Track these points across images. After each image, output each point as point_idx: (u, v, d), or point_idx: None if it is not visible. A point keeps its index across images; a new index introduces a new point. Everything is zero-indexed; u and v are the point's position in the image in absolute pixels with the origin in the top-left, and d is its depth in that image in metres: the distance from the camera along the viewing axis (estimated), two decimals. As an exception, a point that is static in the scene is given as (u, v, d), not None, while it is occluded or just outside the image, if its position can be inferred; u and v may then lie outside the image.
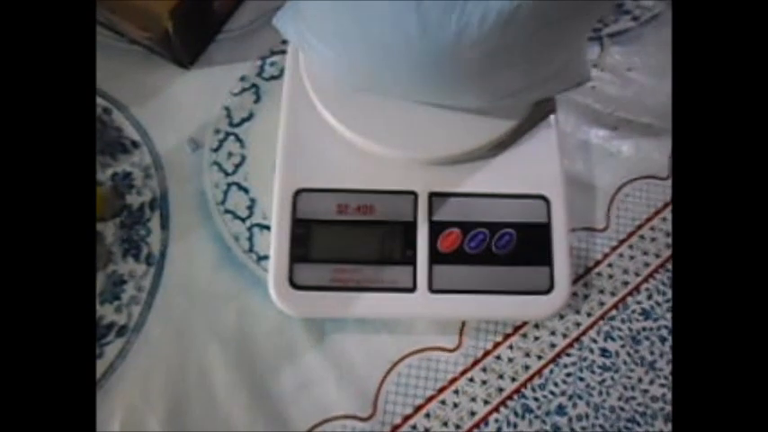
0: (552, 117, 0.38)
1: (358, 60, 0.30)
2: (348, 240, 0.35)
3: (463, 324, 0.38)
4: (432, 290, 0.35)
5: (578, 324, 0.38)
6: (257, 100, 0.42)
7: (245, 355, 0.36)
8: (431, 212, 0.36)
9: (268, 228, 0.38)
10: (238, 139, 0.41)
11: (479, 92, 0.32)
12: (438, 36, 0.25)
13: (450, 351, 0.37)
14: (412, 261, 0.35)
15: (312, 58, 0.34)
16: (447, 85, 0.31)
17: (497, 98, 0.32)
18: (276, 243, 0.35)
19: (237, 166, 0.40)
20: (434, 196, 0.36)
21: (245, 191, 0.40)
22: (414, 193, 0.36)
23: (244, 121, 0.41)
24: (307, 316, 0.36)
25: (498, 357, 0.37)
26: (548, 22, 0.25)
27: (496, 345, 0.37)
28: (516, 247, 0.36)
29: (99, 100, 0.41)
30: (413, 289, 0.35)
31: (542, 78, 0.32)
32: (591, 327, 0.38)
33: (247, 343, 0.36)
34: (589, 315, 0.38)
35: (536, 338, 0.38)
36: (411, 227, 0.36)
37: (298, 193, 0.36)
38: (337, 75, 0.34)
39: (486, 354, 0.37)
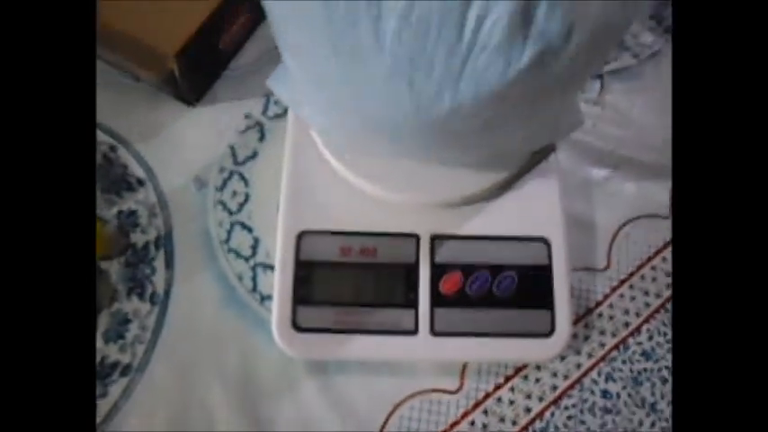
0: (553, 157, 0.38)
1: (352, 129, 0.31)
2: (351, 283, 0.36)
3: (464, 366, 0.38)
4: (433, 332, 0.35)
5: (579, 365, 0.38)
6: (261, 138, 0.42)
7: (248, 395, 0.36)
8: (433, 255, 0.36)
9: (272, 268, 0.38)
10: (243, 178, 0.41)
11: (475, 151, 0.32)
12: (432, 112, 0.25)
13: (452, 393, 0.37)
14: (414, 304, 0.36)
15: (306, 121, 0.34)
16: (443, 148, 0.31)
17: (493, 154, 0.33)
18: (279, 285, 0.35)
19: (242, 204, 0.41)
20: (436, 239, 0.37)
21: (249, 230, 0.40)
22: (416, 236, 0.37)
23: (248, 159, 0.42)
24: (309, 358, 0.36)
25: (499, 400, 0.37)
26: (543, 90, 0.26)
27: (498, 387, 0.38)
28: (517, 289, 0.36)
29: (104, 137, 0.42)
30: (415, 332, 0.35)
31: (538, 131, 0.32)
32: (592, 368, 0.38)
33: (250, 383, 0.36)
34: (590, 356, 0.38)
35: (537, 380, 0.38)
36: (413, 269, 0.36)
37: (301, 235, 0.36)
38: (332, 138, 0.35)
39: (488, 396, 0.37)
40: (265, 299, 0.38)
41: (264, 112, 0.43)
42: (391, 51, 0.23)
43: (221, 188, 0.41)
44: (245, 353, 0.37)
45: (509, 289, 0.36)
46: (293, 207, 0.37)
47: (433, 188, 0.36)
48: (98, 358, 0.37)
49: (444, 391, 0.37)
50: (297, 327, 0.35)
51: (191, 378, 0.36)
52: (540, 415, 0.37)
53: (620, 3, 0.23)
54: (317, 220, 0.37)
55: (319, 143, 0.37)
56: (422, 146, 0.31)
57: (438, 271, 0.36)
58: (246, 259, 0.39)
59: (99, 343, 0.37)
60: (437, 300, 0.36)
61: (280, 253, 0.36)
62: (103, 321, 0.38)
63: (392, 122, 0.27)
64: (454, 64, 0.23)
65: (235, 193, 0.41)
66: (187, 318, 0.38)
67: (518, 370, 0.38)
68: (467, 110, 0.25)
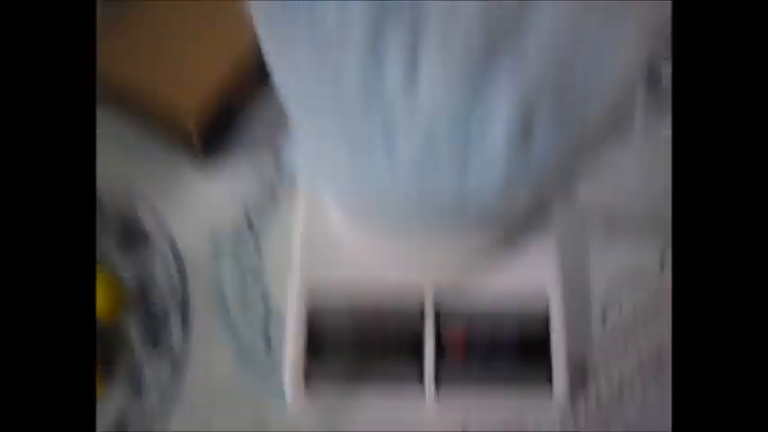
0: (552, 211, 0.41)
1: (373, 217, 0.34)
2: (361, 338, 0.38)
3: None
4: (438, 385, 0.37)
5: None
6: (275, 203, 0.44)
7: None
8: (438, 307, 0.38)
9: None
10: (257, 241, 0.43)
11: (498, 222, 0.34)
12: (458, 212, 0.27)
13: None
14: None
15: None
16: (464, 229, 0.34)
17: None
18: (292, 342, 0.37)
19: (257, 269, 0.43)
20: (440, 293, 0.38)
21: (264, 293, 0.42)
22: (421, 291, 0.38)
23: (262, 221, 0.44)
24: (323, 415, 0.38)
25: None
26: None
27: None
28: (518, 341, 0.38)
29: (122, 193, 0.43)
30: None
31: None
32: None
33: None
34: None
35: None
36: (419, 324, 0.38)
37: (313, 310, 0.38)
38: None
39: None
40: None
41: (278, 169, 0.45)
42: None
43: (235, 251, 0.43)
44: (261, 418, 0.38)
45: (510, 341, 0.38)
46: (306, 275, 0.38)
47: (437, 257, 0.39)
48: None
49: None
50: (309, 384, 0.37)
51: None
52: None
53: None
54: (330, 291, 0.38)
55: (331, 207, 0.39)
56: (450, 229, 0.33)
57: (442, 323, 0.38)
58: (256, 327, 0.41)
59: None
60: (441, 351, 0.37)
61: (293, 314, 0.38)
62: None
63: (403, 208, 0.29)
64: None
65: (249, 256, 0.43)
66: (204, 381, 0.39)
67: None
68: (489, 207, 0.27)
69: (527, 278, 0.39)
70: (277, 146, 0.45)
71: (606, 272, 0.44)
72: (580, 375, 0.41)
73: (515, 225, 0.39)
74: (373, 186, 0.29)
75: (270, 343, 0.41)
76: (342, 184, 0.32)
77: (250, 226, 0.44)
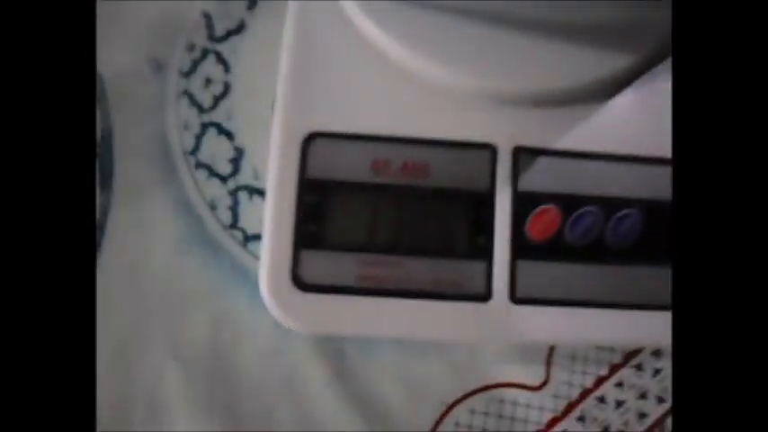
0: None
1: None
2: (387, 217, 0.23)
3: (552, 350, 0.26)
4: (515, 298, 0.23)
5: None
6: (252, 5, 0.29)
7: (221, 388, 0.24)
8: (516, 178, 0.23)
9: (261, 193, 0.26)
10: (221, 60, 0.28)
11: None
12: None
13: (534, 389, 0.25)
14: (486, 253, 0.23)
15: None
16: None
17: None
18: (273, 218, 0.23)
19: (219, 99, 0.27)
20: (522, 153, 0.24)
21: (229, 136, 0.27)
22: (491, 148, 0.24)
23: (231, 33, 0.28)
24: (320, 332, 0.24)
25: (602, 400, 0.25)
26: None
27: (600, 381, 0.25)
28: (640, 236, 0.24)
29: None
30: (486, 296, 0.23)
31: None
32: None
33: (226, 370, 0.24)
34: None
35: (656, 372, 0.26)
36: (485, 200, 0.23)
37: (310, 138, 0.23)
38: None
39: (586, 394, 0.25)
40: (251, 239, 0.26)
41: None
42: None
43: (189, 74, 0.28)
44: (218, 323, 0.25)
45: (629, 235, 0.24)
46: (299, 98, 0.24)
47: (520, 73, 0.24)
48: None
49: (522, 387, 0.25)
50: (300, 283, 0.23)
51: (135, 359, 0.24)
52: (658, 424, 0.25)
53: None
54: (335, 117, 0.24)
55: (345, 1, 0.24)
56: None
57: (524, 203, 0.23)
58: (224, 179, 0.26)
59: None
60: (522, 249, 0.23)
61: (275, 167, 0.23)
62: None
63: None
64: None
65: (209, 82, 0.28)
66: (130, 264, 0.25)
67: (628, 357, 0.26)
68: None
69: (656, 138, 0.24)
70: None
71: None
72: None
73: (650, 36, 0.24)
74: None
75: (237, 214, 0.26)
76: None
77: (212, 39, 0.28)
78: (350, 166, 0.23)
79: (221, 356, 0.24)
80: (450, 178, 0.23)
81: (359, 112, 0.24)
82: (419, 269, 0.23)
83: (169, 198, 0.26)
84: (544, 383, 0.25)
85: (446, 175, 0.23)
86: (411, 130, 0.24)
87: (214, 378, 0.24)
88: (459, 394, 0.24)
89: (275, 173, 0.23)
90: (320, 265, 0.23)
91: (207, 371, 0.24)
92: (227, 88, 0.28)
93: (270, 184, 0.23)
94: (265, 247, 0.23)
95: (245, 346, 0.24)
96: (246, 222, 0.26)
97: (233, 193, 0.26)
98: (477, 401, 0.25)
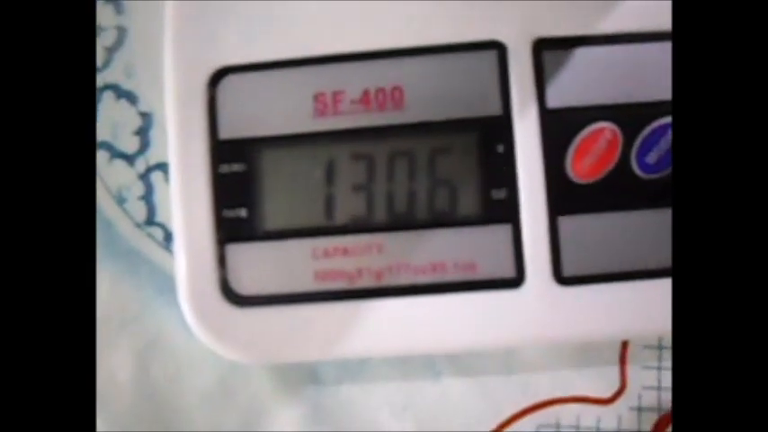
0: None
1: None
2: (349, 179, 0.15)
3: (625, 345, 0.17)
4: (560, 277, 0.15)
5: None
6: None
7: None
8: (542, 89, 0.15)
9: None
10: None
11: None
12: None
13: (605, 402, 0.17)
14: (509, 214, 0.15)
15: None
16: None
17: None
18: (182, 202, 0.15)
19: (112, 51, 0.20)
20: (546, 48, 0.15)
21: (131, 99, 0.19)
22: (498, 46, 0.15)
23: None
24: (271, 360, 0.17)
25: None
26: None
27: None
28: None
29: None
30: (517, 280, 0.15)
31: None
32: None
33: (161, 417, 0.17)
34: None
35: None
36: (497, 130, 0.15)
37: (218, 76, 0.15)
38: None
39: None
40: (171, 238, 0.19)
41: None
42: None
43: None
44: (143, 353, 0.18)
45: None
46: (194, 22, 0.16)
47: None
48: None
49: (588, 400, 0.17)
50: (231, 293, 0.16)
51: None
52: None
53: None
54: (251, 42, 0.16)
55: None
56: None
57: (560, 126, 0.15)
58: (131, 159, 0.19)
59: None
60: (564, 197, 0.15)
61: (174, 130, 0.16)
62: None
63: None
64: None
65: (97, 30, 0.20)
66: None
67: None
68: None
69: None
70: None
71: None
72: None
73: None
74: None
75: (151, 203, 0.19)
76: None
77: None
78: (283, 111, 0.15)
79: (153, 398, 0.17)
80: (437, 105, 0.15)
81: (287, 28, 0.16)
82: (407, 252, 0.15)
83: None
84: (619, 393, 0.17)
85: (430, 102, 0.15)
86: (368, 42, 0.16)
87: (147, 427, 0.17)
88: (494, 424, 0.17)
89: (174, 138, 0.16)
90: (257, 263, 0.15)
91: (136, 418, 0.17)
92: (121, 35, 0.20)
93: (171, 156, 0.16)
94: (179, 246, 0.16)
95: (184, 382, 0.17)
96: (166, 215, 0.19)
97: (144, 177, 0.19)
98: (525, 423, 0.17)
